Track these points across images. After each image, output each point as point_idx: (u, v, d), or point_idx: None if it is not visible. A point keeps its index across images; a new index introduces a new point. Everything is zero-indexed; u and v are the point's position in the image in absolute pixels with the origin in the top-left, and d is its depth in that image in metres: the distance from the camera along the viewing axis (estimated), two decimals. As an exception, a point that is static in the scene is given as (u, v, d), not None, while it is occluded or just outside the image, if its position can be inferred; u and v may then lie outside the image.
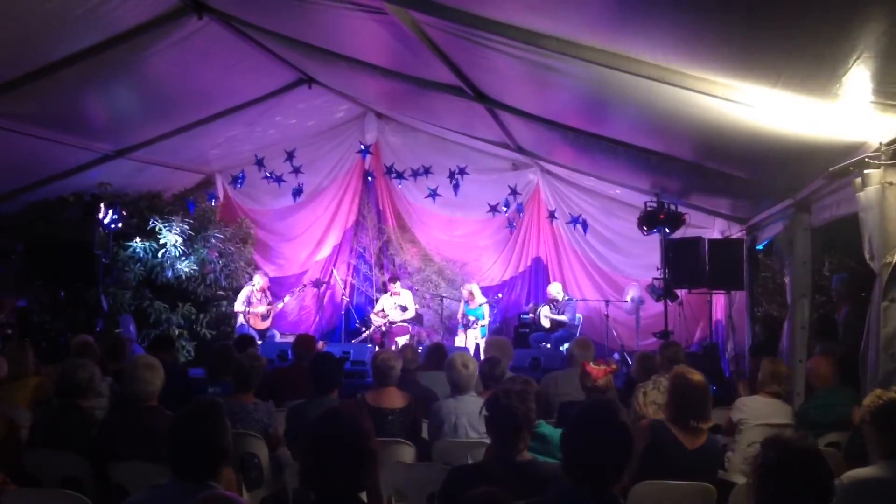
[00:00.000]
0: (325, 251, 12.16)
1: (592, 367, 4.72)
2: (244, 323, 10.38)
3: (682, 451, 3.66)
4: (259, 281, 10.67)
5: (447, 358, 4.98)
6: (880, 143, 4.14)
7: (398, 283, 11.10)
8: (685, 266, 8.60)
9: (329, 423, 2.52)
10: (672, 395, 3.83)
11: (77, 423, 4.17)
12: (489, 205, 11.67)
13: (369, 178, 12.10)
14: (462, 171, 11.45)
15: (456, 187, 11.51)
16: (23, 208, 9.32)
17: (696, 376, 3.82)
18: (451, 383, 4.78)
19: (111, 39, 6.55)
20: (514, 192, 11.62)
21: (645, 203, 8.66)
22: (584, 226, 11.35)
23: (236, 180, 11.70)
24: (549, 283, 11.30)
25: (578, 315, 10.70)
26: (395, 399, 4.79)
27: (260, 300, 10.58)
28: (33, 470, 4.05)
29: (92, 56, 6.63)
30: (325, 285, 11.77)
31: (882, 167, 4.14)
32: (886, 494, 3.00)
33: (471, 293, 10.88)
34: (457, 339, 10.92)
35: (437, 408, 4.77)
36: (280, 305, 10.86)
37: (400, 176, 11.75)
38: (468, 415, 4.59)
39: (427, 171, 11.57)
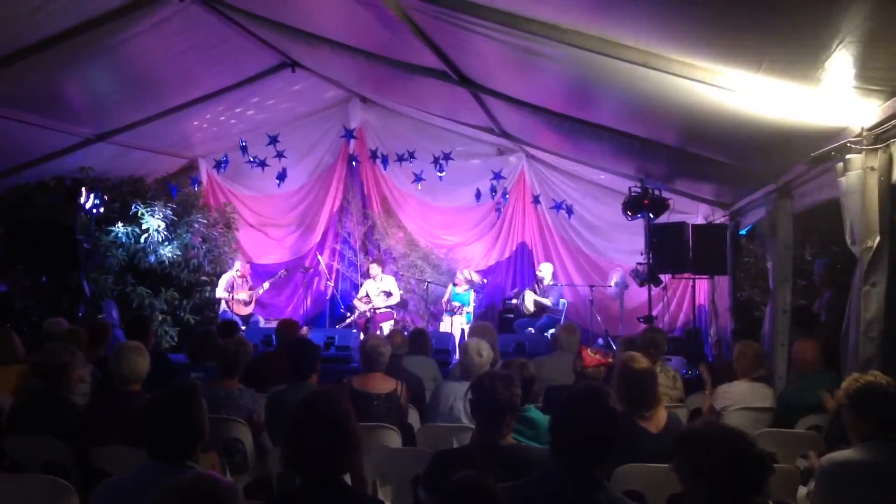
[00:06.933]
0: (317, 237, 12.10)
1: (588, 354, 4.70)
2: (227, 309, 10.34)
3: (649, 437, 3.62)
4: (239, 266, 10.63)
5: (463, 343, 5.12)
6: (862, 128, 4.16)
7: (376, 266, 10.95)
8: (669, 251, 8.64)
9: (309, 407, 2.54)
10: (618, 385, 3.68)
11: (58, 408, 4.14)
12: (475, 189, 11.58)
13: (354, 163, 12.01)
14: (447, 157, 11.36)
15: (440, 172, 11.44)
16: (3, 193, 9.23)
17: (640, 364, 3.67)
18: (462, 367, 4.89)
19: (92, 20, 6.47)
20: (498, 176, 11.57)
21: (629, 188, 8.67)
22: (569, 211, 11.36)
23: (220, 165, 11.54)
24: (534, 267, 11.28)
25: (563, 300, 10.70)
26: (380, 384, 4.79)
27: (241, 285, 10.54)
28: (14, 455, 4.02)
29: (72, 38, 6.54)
30: (310, 270, 11.72)
31: (863, 152, 4.16)
32: (865, 476, 3.03)
33: (468, 279, 10.87)
34: (441, 324, 10.89)
35: (441, 387, 4.91)
36: (262, 290, 10.81)
37: (385, 160, 11.68)
38: (465, 399, 4.63)
39: (412, 155, 11.48)
